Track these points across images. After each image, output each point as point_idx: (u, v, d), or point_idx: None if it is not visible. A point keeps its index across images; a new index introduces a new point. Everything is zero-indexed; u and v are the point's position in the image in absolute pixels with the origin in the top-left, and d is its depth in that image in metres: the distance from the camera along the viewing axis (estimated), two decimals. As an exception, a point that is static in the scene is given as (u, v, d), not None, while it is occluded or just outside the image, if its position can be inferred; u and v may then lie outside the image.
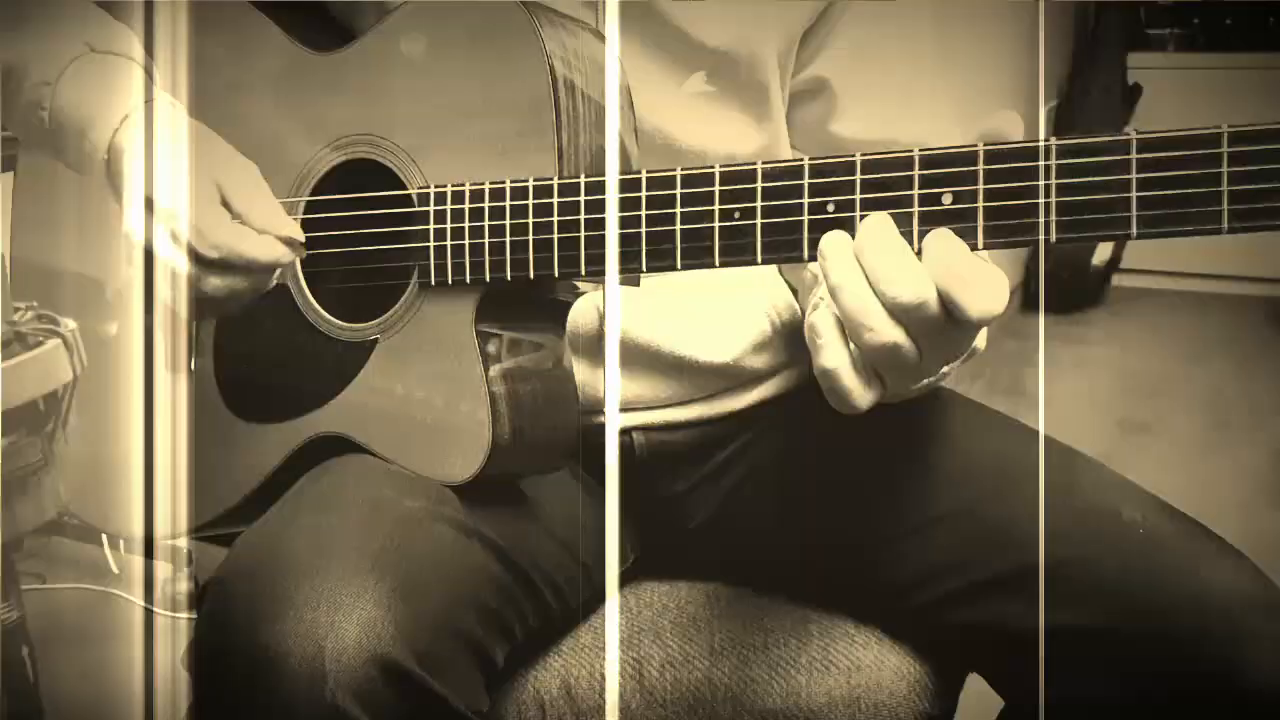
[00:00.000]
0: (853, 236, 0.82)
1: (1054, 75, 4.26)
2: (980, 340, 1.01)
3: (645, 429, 1.15)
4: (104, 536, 2.24)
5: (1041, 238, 0.79)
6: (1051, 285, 4.16)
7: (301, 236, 1.00)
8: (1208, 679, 0.93)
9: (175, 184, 0.97)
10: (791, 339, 1.17)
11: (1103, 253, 4.27)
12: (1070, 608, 0.97)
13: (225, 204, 0.98)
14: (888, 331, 0.81)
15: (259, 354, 1.06)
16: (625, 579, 1.17)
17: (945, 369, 0.97)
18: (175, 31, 1.09)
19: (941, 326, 0.81)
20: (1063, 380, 3.56)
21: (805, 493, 1.13)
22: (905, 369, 0.83)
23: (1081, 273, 4.21)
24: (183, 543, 2.28)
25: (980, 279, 0.79)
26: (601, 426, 1.08)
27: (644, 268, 0.90)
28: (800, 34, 1.10)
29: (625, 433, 1.13)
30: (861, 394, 0.84)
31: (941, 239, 0.80)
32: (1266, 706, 0.92)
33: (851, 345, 0.83)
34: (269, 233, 0.98)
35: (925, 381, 0.95)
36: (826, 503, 1.12)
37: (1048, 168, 0.78)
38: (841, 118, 1.11)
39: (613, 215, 0.89)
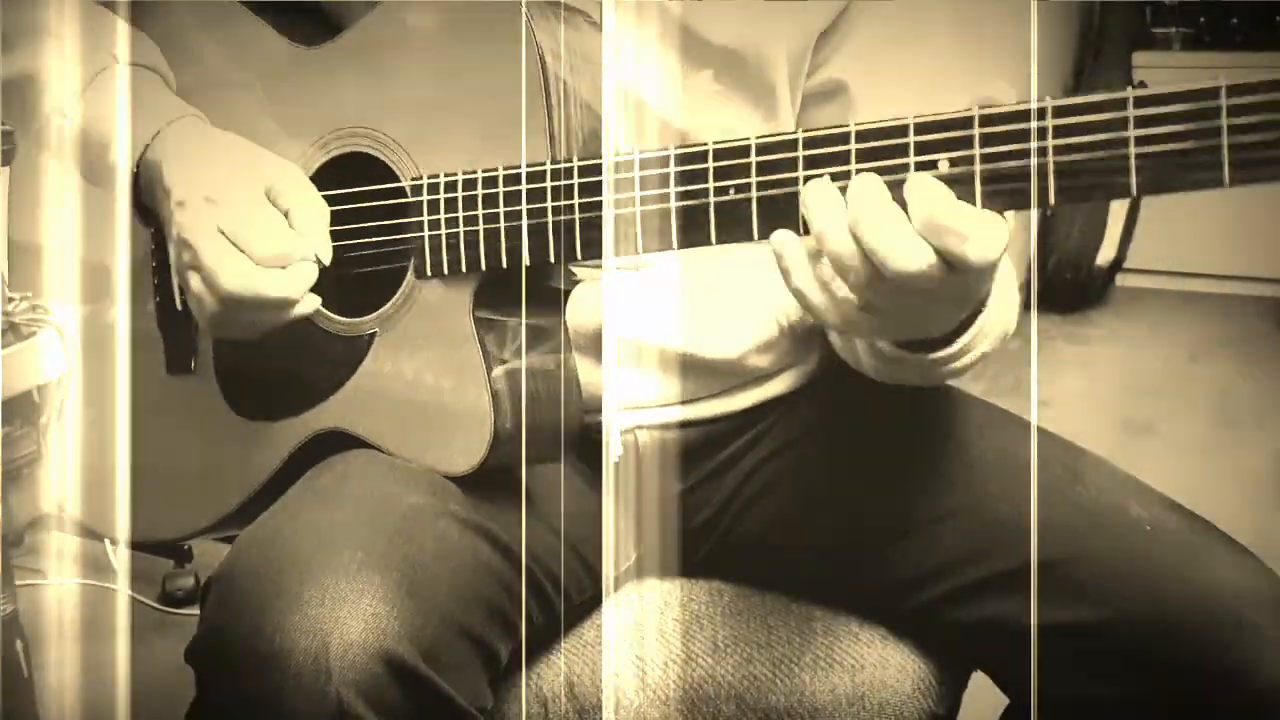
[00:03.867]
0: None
1: (1058, 74, 4.26)
2: (1012, 318, 0.99)
3: (648, 427, 1.14)
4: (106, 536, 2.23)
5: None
6: (1054, 285, 4.16)
7: (327, 259, 0.99)
8: (1215, 676, 0.93)
9: (229, 193, 0.97)
10: (798, 340, 1.17)
11: (1106, 252, 4.26)
12: (1077, 605, 0.97)
13: (274, 205, 0.98)
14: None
15: (259, 352, 1.06)
16: (628, 577, 1.17)
17: (984, 346, 0.95)
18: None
19: (944, 279, 0.80)
20: (1066, 380, 3.56)
21: (809, 490, 1.13)
22: (910, 313, 0.83)
23: (1085, 272, 4.20)
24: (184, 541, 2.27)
25: (972, 226, 0.78)
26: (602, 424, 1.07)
27: (640, 249, 0.89)
28: (815, 36, 1.09)
29: (628, 430, 1.13)
30: (829, 308, 0.83)
31: (921, 188, 0.79)
32: (1274, 702, 0.91)
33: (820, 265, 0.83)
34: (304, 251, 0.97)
35: (963, 351, 0.93)
36: (830, 500, 1.12)
37: (1044, 129, 0.77)
38: (858, 119, 1.10)
39: (608, 195, 0.89)
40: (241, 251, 0.95)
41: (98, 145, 1.03)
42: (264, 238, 0.96)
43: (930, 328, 0.90)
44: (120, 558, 2.38)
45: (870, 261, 0.79)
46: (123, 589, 2.38)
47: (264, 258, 0.96)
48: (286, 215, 0.98)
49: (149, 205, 1.03)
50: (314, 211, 0.99)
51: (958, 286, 0.82)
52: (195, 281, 0.98)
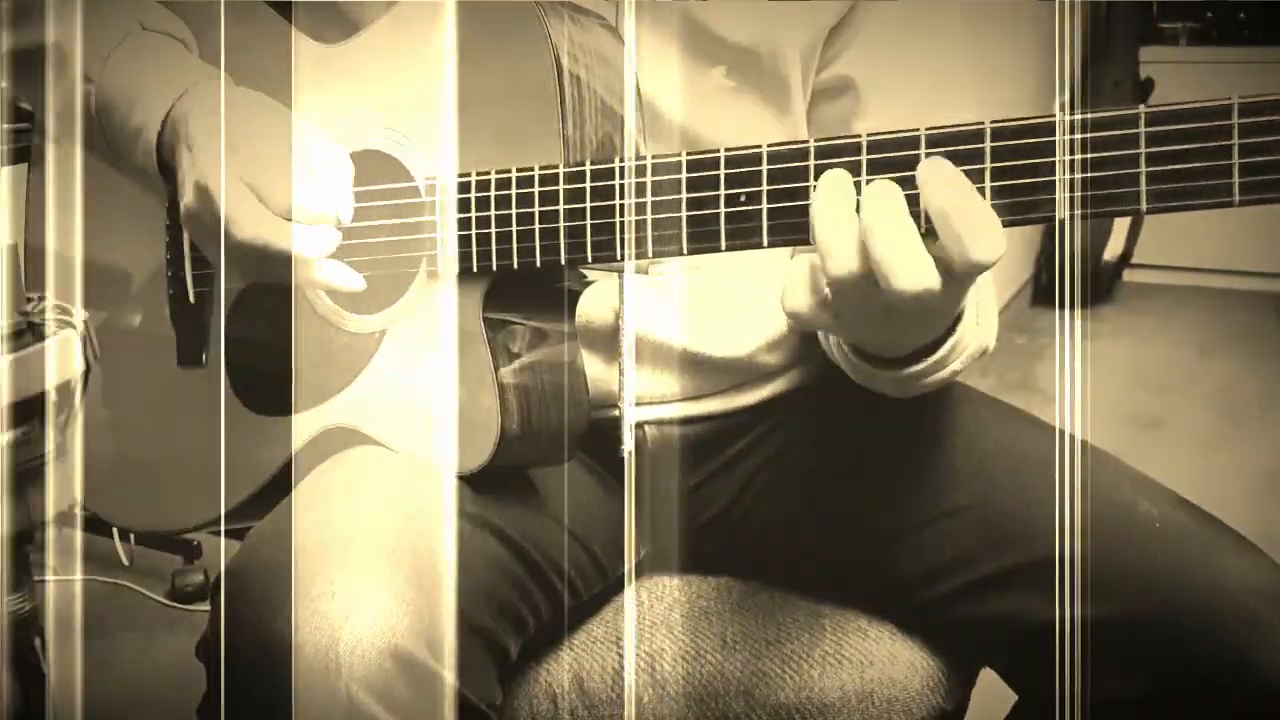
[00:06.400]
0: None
1: (1065, 70, 4.25)
2: (990, 338, 1.00)
3: (658, 423, 1.14)
4: (114, 529, 2.25)
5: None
6: (1062, 280, 4.15)
7: (348, 218, 0.97)
8: (1222, 672, 0.93)
9: (250, 133, 0.96)
10: (806, 338, 1.17)
11: (1114, 247, 4.26)
12: (1085, 601, 0.97)
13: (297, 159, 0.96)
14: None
15: (269, 347, 1.06)
16: (637, 573, 1.17)
17: (956, 364, 0.96)
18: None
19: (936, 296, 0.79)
20: (1073, 375, 3.55)
21: (818, 487, 1.13)
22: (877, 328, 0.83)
23: (1093, 268, 4.20)
24: (193, 535, 2.29)
25: (981, 223, 0.78)
26: (613, 420, 1.08)
27: (650, 253, 0.90)
28: (826, 31, 1.09)
29: (638, 426, 1.13)
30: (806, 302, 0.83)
31: (940, 175, 0.78)
32: None
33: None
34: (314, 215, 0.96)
35: (934, 368, 0.94)
36: (839, 497, 1.12)
37: (1056, 143, 0.77)
38: (865, 116, 1.11)
39: (630, 199, 0.89)
40: (261, 202, 0.94)
41: (122, 111, 1.03)
42: (283, 189, 0.94)
43: (898, 345, 0.90)
44: (134, 554, 2.39)
45: (872, 274, 0.79)
46: (140, 588, 2.38)
47: (282, 209, 0.94)
48: (309, 171, 0.96)
49: (169, 164, 1.02)
50: (336, 169, 0.97)
51: (935, 301, 0.81)
52: (209, 221, 0.96)
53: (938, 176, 0.78)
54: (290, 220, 0.94)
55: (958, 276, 0.79)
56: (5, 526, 0.92)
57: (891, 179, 0.80)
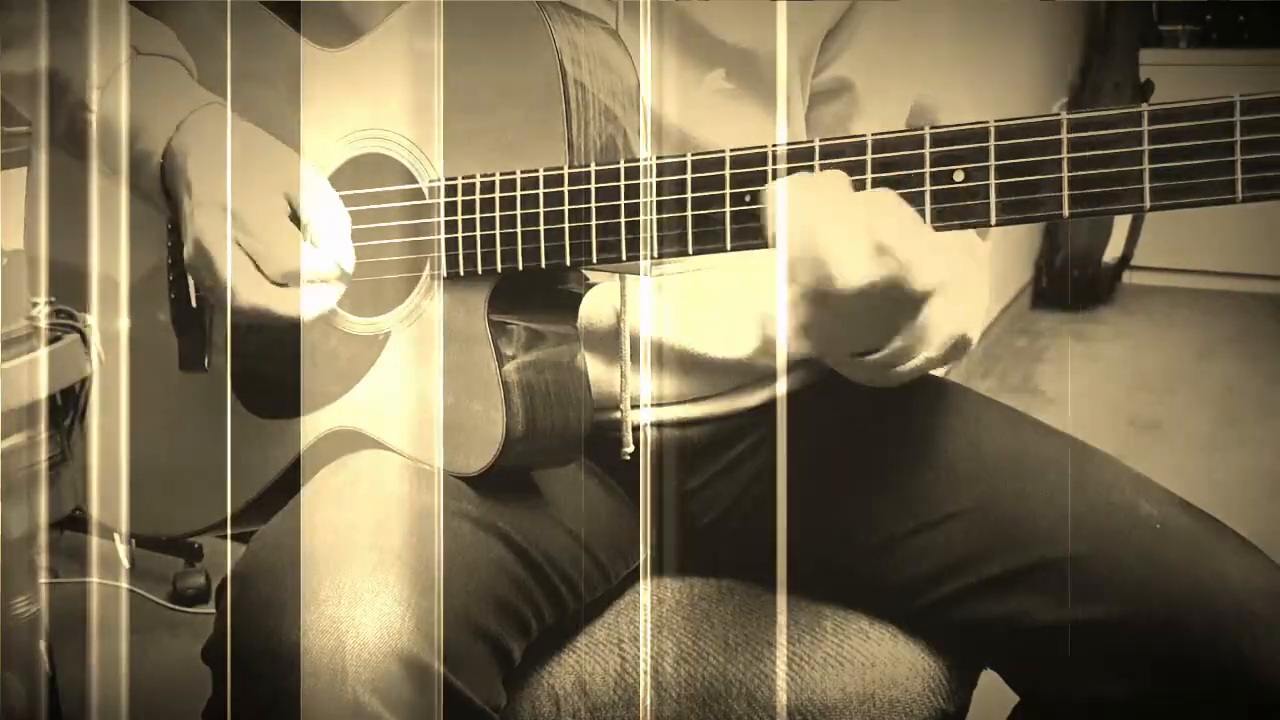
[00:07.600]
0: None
1: (1064, 72, 4.25)
2: (969, 327, 1.00)
3: (658, 425, 1.15)
4: (115, 532, 2.25)
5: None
6: (1062, 282, 4.16)
7: (349, 267, 0.98)
8: (1222, 673, 0.93)
9: (247, 190, 0.97)
10: None
11: (1114, 249, 4.26)
12: (1086, 602, 0.97)
13: (295, 218, 0.98)
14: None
15: (273, 350, 1.06)
16: (639, 575, 1.17)
17: (930, 351, 0.96)
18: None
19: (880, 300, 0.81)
20: (1073, 377, 3.56)
21: (818, 489, 1.13)
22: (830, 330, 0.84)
23: (1093, 269, 4.21)
24: (196, 539, 2.29)
25: (917, 254, 0.79)
26: (614, 422, 1.08)
27: (655, 254, 0.90)
28: (822, 34, 1.10)
29: (638, 428, 1.13)
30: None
31: (878, 205, 0.80)
32: None
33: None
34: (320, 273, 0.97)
35: (900, 355, 0.94)
36: (840, 499, 1.12)
37: (1060, 142, 0.77)
38: (862, 118, 1.11)
39: (651, 197, 0.89)
40: (257, 269, 0.96)
41: (123, 136, 1.03)
42: (280, 257, 0.96)
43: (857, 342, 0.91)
44: (136, 556, 2.39)
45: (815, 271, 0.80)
46: (142, 590, 2.38)
47: (278, 277, 0.96)
48: (305, 228, 0.97)
49: (171, 193, 1.02)
50: (333, 223, 0.98)
51: (880, 313, 0.83)
52: (209, 283, 0.98)
53: (878, 202, 0.80)
54: (288, 286, 0.96)
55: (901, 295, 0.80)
56: (10, 529, 0.92)
57: (896, 178, 0.81)
